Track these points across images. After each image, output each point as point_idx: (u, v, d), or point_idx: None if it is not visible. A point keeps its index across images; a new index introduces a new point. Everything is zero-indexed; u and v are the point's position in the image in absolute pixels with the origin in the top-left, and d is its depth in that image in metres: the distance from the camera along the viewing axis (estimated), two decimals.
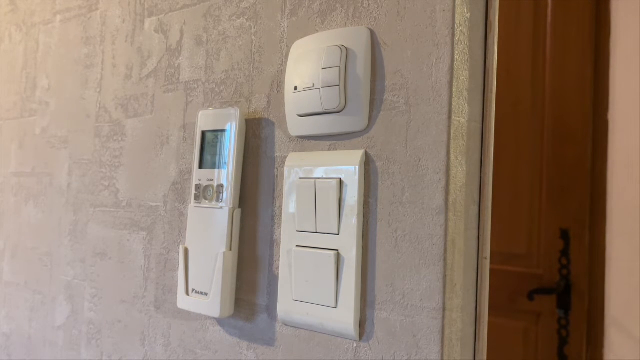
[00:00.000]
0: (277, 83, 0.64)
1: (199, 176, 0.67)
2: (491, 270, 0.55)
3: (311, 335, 0.58)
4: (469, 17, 0.53)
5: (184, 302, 0.67)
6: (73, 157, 0.91)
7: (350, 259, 0.55)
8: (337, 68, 0.56)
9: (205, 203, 0.66)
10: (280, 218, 0.62)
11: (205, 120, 0.68)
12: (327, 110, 0.57)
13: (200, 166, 0.67)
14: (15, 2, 1.07)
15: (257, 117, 0.66)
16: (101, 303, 0.83)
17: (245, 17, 0.68)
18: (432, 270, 0.50)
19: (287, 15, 0.64)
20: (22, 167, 1.01)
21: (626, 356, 1.43)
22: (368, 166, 0.55)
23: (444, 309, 0.50)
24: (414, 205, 0.52)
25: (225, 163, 0.65)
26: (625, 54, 1.48)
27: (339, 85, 0.56)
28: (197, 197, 0.67)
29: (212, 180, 0.66)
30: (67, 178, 0.91)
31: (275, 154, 0.64)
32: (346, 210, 0.55)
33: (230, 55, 0.69)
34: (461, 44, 0.52)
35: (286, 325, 0.61)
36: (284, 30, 0.64)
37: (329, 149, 0.59)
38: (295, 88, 0.60)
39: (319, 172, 0.58)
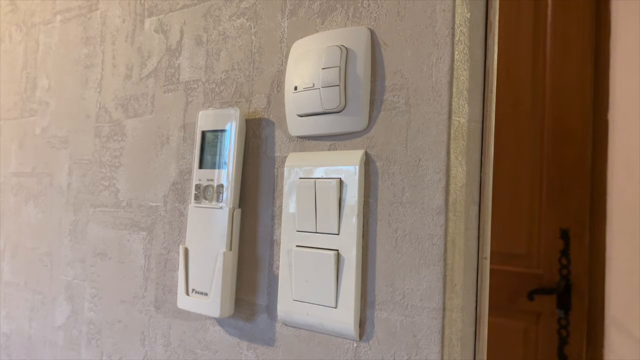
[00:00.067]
0: (277, 83, 0.64)
1: (199, 176, 0.67)
2: (491, 270, 0.55)
3: (311, 335, 0.58)
4: (469, 17, 0.53)
5: (184, 302, 0.67)
6: (73, 157, 0.91)
7: (350, 259, 0.55)
8: (337, 68, 0.56)
9: (205, 203, 0.66)
10: (280, 218, 0.62)
11: (205, 120, 0.68)
12: (327, 110, 0.57)
13: (200, 166, 0.67)
14: (15, 2, 1.07)
15: (257, 117, 0.66)
16: (101, 303, 0.83)
17: (245, 17, 0.68)
18: (432, 270, 0.50)
19: (287, 15, 0.64)
20: (22, 167, 1.01)
21: (626, 356, 1.43)
22: (368, 166, 0.55)
23: (444, 309, 0.50)
24: (414, 205, 0.52)
25: (225, 163, 0.65)
26: (625, 54, 1.48)
27: (339, 85, 0.56)
28: (197, 197, 0.67)
29: (212, 180, 0.66)
30: (67, 178, 0.91)
31: (275, 154, 0.64)
32: (346, 210, 0.55)
33: (230, 55, 0.69)
34: (461, 44, 0.52)
35: (286, 325, 0.61)
36: (284, 30, 0.64)
37: (329, 149, 0.59)
38: (295, 88, 0.60)
39: (319, 172, 0.58)
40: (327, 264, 0.56)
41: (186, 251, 0.67)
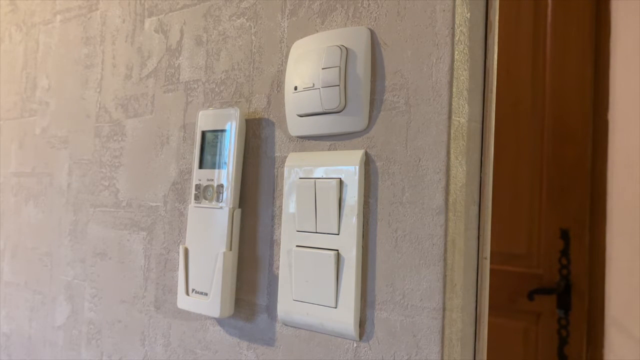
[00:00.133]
0: (277, 83, 0.64)
1: (199, 176, 0.67)
2: (491, 270, 0.55)
3: (311, 335, 0.58)
4: (469, 17, 0.53)
5: (184, 302, 0.67)
6: (73, 157, 0.91)
7: (350, 259, 0.55)
8: (337, 68, 0.56)
9: (205, 203, 0.66)
10: (280, 218, 0.62)
11: (205, 120, 0.68)
12: (327, 110, 0.57)
13: (200, 166, 0.67)
14: (15, 2, 1.07)
15: (257, 117, 0.66)
16: (101, 303, 0.83)
17: (245, 17, 0.68)
18: (432, 270, 0.50)
19: (287, 15, 0.64)
20: (22, 167, 1.01)
21: (626, 356, 1.43)
22: (368, 166, 0.55)
23: (444, 309, 0.50)
24: (414, 205, 0.52)
25: (225, 163, 0.65)
26: (625, 54, 1.48)
27: (339, 85, 0.56)
28: (197, 197, 0.67)
29: (212, 180, 0.66)
30: (67, 178, 0.91)
31: (275, 154, 0.64)
32: (346, 210, 0.55)
33: (230, 55, 0.69)
34: (461, 44, 0.52)
35: (286, 325, 0.61)
36: (284, 30, 0.64)
37: (329, 149, 0.59)
38: (295, 88, 0.60)
39: (319, 172, 0.58)
40: (327, 264, 0.56)
41: (186, 251, 0.67)
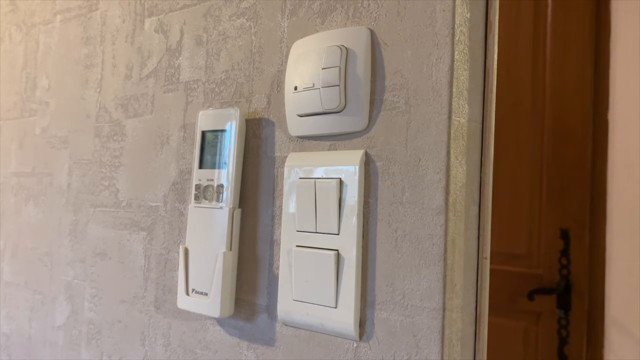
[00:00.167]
0: (277, 83, 0.64)
1: (199, 176, 0.67)
2: (491, 270, 0.55)
3: (311, 335, 0.58)
4: (469, 17, 0.53)
5: (184, 302, 0.67)
6: (73, 157, 0.91)
7: (350, 259, 0.55)
8: (337, 68, 0.56)
9: (205, 203, 0.66)
10: (280, 218, 0.62)
11: (205, 120, 0.68)
12: (327, 110, 0.57)
13: (200, 166, 0.67)
14: (15, 2, 1.07)
15: (257, 117, 0.66)
16: (101, 303, 0.83)
17: (245, 17, 0.68)
18: (432, 270, 0.50)
19: (287, 15, 0.64)
20: (22, 167, 1.01)
21: (626, 356, 1.43)
22: (368, 166, 0.55)
23: (444, 309, 0.50)
24: (414, 205, 0.52)
25: (225, 163, 0.65)
26: (625, 54, 1.48)
27: (339, 85, 0.56)
28: (197, 197, 0.67)
29: (212, 180, 0.66)
30: (67, 178, 0.91)
31: (275, 154, 0.64)
32: (346, 210, 0.55)
33: (230, 55, 0.69)
34: (461, 44, 0.52)
35: (286, 325, 0.61)
36: (284, 30, 0.64)
37: (329, 149, 0.59)
38: (295, 88, 0.60)
39: (319, 172, 0.58)
40: (327, 264, 0.56)
41: (186, 251, 0.67)
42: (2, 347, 1.01)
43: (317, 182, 0.57)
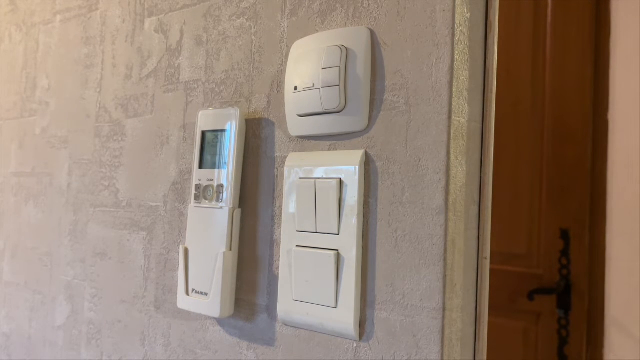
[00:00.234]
0: (277, 83, 0.64)
1: (199, 176, 0.67)
2: (491, 270, 0.55)
3: (311, 335, 0.58)
4: (469, 17, 0.53)
5: (184, 302, 0.67)
6: (73, 157, 0.91)
7: (350, 259, 0.55)
8: (337, 68, 0.56)
9: (205, 203, 0.66)
10: (280, 218, 0.62)
11: (205, 120, 0.68)
12: (327, 110, 0.57)
13: (200, 166, 0.67)
14: (15, 2, 1.07)
15: (257, 117, 0.66)
16: (101, 303, 0.83)
17: (245, 17, 0.68)
18: (432, 270, 0.50)
19: (287, 15, 0.64)
20: (22, 167, 1.01)
21: (626, 356, 1.43)
22: (368, 166, 0.55)
23: (444, 309, 0.50)
24: (414, 205, 0.52)
25: (225, 163, 0.65)
26: (625, 54, 1.48)
27: (339, 85, 0.56)
28: (197, 197, 0.67)
29: (212, 180, 0.66)
30: (67, 178, 0.91)
31: (275, 154, 0.64)
32: (346, 210, 0.55)
33: (230, 55, 0.69)
34: (461, 44, 0.52)
35: (286, 325, 0.61)
36: (284, 30, 0.64)
37: (329, 149, 0.59)
38: (295, 88, 0.60)
39: (319, 172, 0.58)
40: (327, 264, 0.56)
41: (186, 251, 0.67)
42: (2, 347, 1.01)
43: (317, 182, 0.57)
